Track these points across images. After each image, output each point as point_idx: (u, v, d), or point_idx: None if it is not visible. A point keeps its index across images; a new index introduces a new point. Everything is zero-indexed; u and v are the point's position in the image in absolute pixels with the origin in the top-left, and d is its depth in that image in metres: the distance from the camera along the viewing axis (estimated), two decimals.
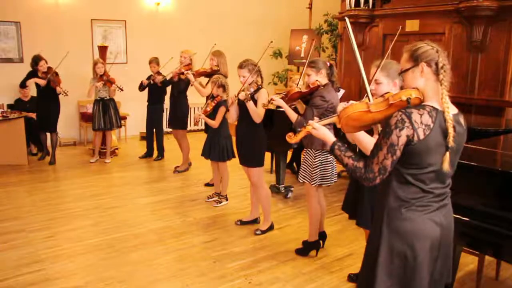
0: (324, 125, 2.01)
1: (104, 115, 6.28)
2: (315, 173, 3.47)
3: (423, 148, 1.75)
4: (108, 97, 6.29)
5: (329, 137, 1.96)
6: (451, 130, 1.73)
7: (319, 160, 3.46)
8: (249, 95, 3.77)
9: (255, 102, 3.82)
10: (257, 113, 3.84)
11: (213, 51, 5.36)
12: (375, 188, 2.73)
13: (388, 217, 1.86)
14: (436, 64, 1.80)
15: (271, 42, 3.96)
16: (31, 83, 6.06)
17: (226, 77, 5.10)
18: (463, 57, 5.94)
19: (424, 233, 1.82)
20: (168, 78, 6.00)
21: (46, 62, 6.09)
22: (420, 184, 1.80)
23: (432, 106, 1.78)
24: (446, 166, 1.77)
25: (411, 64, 1.84)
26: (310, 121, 2.03)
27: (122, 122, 8.00)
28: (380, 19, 7.01)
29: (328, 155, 3.47)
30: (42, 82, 6.00)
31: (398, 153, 1.76)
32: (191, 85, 5.44)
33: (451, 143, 1.74)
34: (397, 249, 1.85)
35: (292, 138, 2.05)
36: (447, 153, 1.76)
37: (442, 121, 1.75)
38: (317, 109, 3.35)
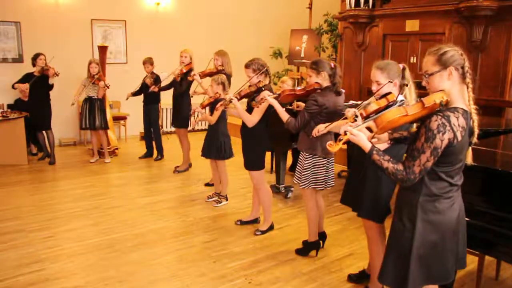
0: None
1: (89, 114, 6.27)
2: (305, 175, 3.41)
3: (459, 148, 1.92)
4: (96, 97, 6.27)
5: (367, 143, 2.02)
6: (476, 130, 1.94)
7: (310, 162, 3.39)
8: (228, 101, 3.71)
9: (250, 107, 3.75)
10: (247, 118, 3.77)
11: (217, 51, 5.36)
12: (377, 181, 2.73)
13: (422, 211, 2.01)
14: (463, 68, 1.94)
15: (265, 67, 3.83)
16: (18, 87, 6.18)
17: (230, 76, 5.09)
18: None
19: (451, 222, 2.03)
20: (164, 78, 5.98)
21: (46, 58, 6.15)
22: (449, 179, 1.99)
23: (463, 109, 1.91)
24: (470, 160, 2.03)
25: (439, 67, 1.95)
26: (348, 128, 2.02)
27: (122, 122, 8.02)
28: (380, 19, 7.01)
29: (319, 159, 3.37)
30: (25, 87, 6.09)
31: (439, 155, 1.90)
32: (196, 91, 5.33)
33: (475, 140, 1.96)
34: (430, 239, 2.02)
35: (334, 147, 2.02)
36: (470, 149, 2.00)
37: (469, 121, 1.93)
38: (308, 112, 3.26)
